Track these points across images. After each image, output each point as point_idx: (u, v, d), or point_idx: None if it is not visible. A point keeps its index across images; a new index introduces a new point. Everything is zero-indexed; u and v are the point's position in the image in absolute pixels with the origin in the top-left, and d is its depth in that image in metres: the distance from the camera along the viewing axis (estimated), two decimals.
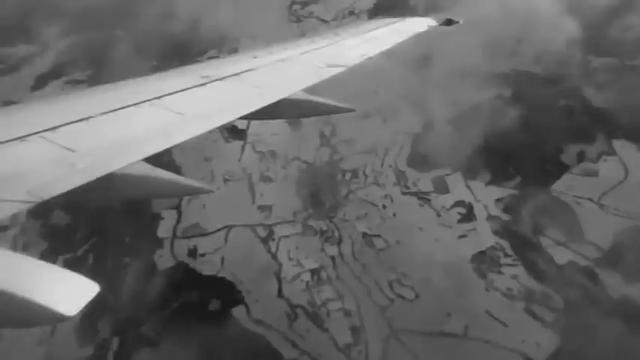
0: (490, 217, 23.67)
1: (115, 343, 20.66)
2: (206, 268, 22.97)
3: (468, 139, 26.32)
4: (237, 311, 21.25)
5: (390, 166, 26.65)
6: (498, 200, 24.31)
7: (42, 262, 2.52)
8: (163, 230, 24.62)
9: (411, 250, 22.59)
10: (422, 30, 8.51)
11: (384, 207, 24.63)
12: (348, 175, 26.39)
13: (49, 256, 23.18)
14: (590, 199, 23.73)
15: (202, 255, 23.42)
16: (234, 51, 34.37)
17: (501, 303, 20.62)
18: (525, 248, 22.31)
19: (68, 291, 2.40)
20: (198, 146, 27.58)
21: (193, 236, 24.26)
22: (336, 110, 5.76)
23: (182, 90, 4.96)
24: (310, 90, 5.58)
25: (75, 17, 40.35)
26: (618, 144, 25.79)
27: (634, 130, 25.97)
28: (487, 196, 24.53)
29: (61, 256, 23.52)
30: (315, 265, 22.58)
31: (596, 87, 28.78)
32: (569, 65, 30.09)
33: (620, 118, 26.74)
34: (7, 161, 3.31)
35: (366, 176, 26.21)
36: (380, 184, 25.76)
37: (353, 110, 5.79)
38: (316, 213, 24.72)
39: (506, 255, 22.12)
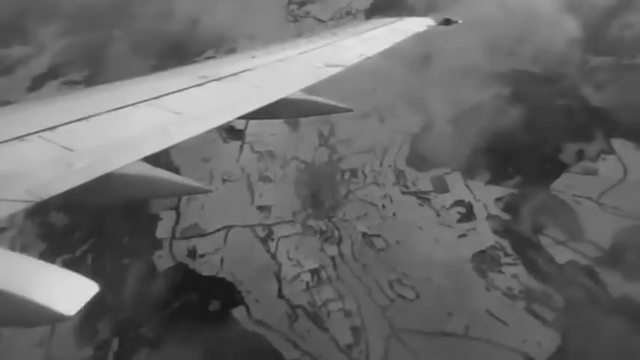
0: (490, 217, 23.67)
1: (114, 344, 20.57)
2: (205, 268, 22.90)
3: (467, 139, 26.33)
4: (238, 312, 21.17)
5: (390, 165, 26.63)
6: (498, 199, 24.31)
7: (41, 262, 2.51)
8: (162, 231, 24.53)
9: (411, 250, 22.56)
10: (420, 30, 8.51)
11: (384, 207, 24.61)
12: (347, 175, 26.36)
13: (47, 257, 23.04)
14: (590, 198, 23.75)
15: (202, 255, 23.35)
16: (231, 51, 34.31)
17: (502, 302, 20.61)
18: (525, 247, 22.31)
19: (67, 291, 2.39)
20: (196, 147, 27.49)
21: (192, 237, 24.18)
22: (334, 110, 5.75)
23: (180, 90, 4.97)
24: (308, 90, 5.57)
25: (71, 18, 40.25)
26: (617, 143, 25.82)
27: (633, 128, 26.01)
28: (487, 196, 24.52)
29: (60, 257, 23.41)
30: (315, 265, 22.53)
31: (595, 86, 28.84)
32: (568, 64, 30.15)
33: (618, 116, 26.78)
34: (6, 161, 3.31)
35: (365, 176, 26.18)
36: (379, 184, 25.73)
37: (351, 110, 5.77)
38: (315, 213, 24.67)
39: (507, 254, 22.12)
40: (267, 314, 21.01)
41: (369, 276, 21.96)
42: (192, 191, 4.77)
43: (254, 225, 24.42)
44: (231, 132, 28.79)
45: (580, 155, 25.61)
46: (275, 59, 6.34)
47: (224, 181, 26.71)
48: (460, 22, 9.17)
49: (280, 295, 21.65)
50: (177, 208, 25.29)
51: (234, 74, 5.62)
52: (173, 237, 24.23)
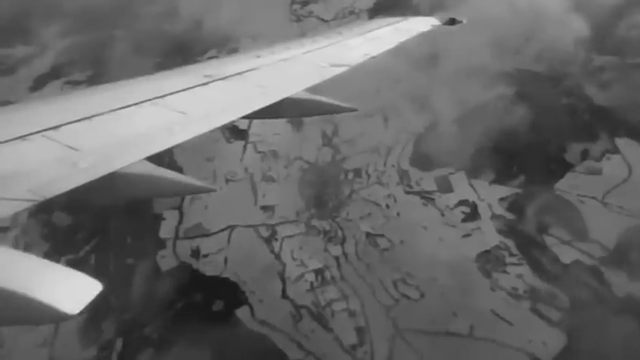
0: (494, 216, 23.59)
1: (118, 344, 20.55)
2: (209, 268, 22.88)
3: (471, 138, 26.25)
4: (241, 312, 21.14)
5: (393, 165, 26.56)
6: (502, 199, 24.23)
7: (45, 261, 2.51)
8: (165, 231, 24.50)
9: (415, 250, 22.50)
10: (425, 29, 8.54)
11: (388, 206, 24.55)
12: (350, 175, 26.29)
13: (51, 257, 22.65)
14: (594, 198, 23.68)
15: (205, 255, 23.32)
16: (234, 51, 34.25)
17: (507, 302, 20.55)
18: (530, 247, 22.24)
19: (71, 289, 2.39)
20: (199, 146, 27.47)
21: (196, 237, 24.16)
22: (338, 110, 5.78)
23: (185, 89, 4.97)
24: (312, 89, 5.57)
25: (74, 17, 40.18)
26: (621, 142, 25.74)
27: (637, 128, 25.92)
28: (491, 195, 24.45)
29: (63, 257, 23.39)
30: (319, 265, 22.49)
31: (599, 85, 28.75)
32: (572, 64, 30.05)
33: (623, 116, 26.69)
34: (10, 160, 3.31)
35: (368, 176, 26.11)
36: (383, 184, 25.67)
37: (355, 110, 5.82)
38: (319, 213, 24.62)
39: (511, 254, 22.05)
40: (271, 314, 20.98)
41: (373, 276, 21.91)
42: (196, 190, 4.78)
43: (257, 225, 24.38)
44: (234, 132, 28.73)
45: (584, 155, 25.53)
46: (279, 59, 6.34)
47: (227, 180, 26.66)
48: (465, 21, 9.18)
49: (284, 295, 21.62)
50: (180, 208, 25.25)
51: (239, 73, 5.63)
52: (177, 237, 24.20)
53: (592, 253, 21.62)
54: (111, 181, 3.45)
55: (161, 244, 23.93)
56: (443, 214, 23.99)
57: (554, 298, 20.42)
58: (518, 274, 21.34)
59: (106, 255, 23.62)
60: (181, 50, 34.85)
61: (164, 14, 38.91)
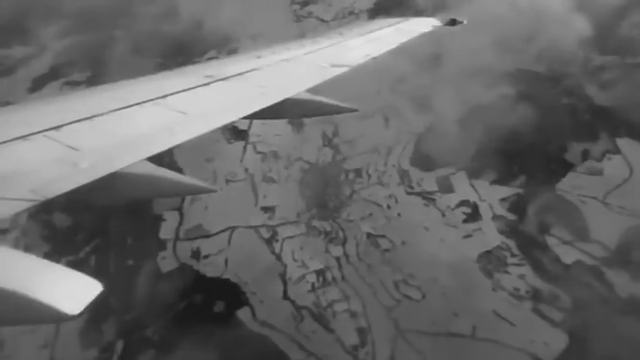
0: (495, 217, 23.57)
1: (119, 345, 20.47)
2: (210, 269, 22.81)
3: (472, 138, 26.23)
4: (243, 313, 21.08)
5: (394, 165, 26.53)
6: (503, 199, 24.21)
7: (45, 261, 2.52)
8: (166, 232, 24.44)
9: (416, 250, 22.48)
10: (426, 30, 8.59)
11: (389, 207, 24.51)
12: (351, 175, 26.25)
13: (51, 258, 22.67)
14: (596, 198, 23.67)
15: (206, 257, 23.26)
16: (233, 51, 34.23)
17: (509, 303, 20.52)
18: (532, 247, 22.21)
19: (71, 290, 2.39)
20: (200, 147, 27.43)
21: (196, 238, 24.09)
22: (339, 110, 5.78)
23: (186, 89, 4.99)
24: (313, 90, 5.59)
25: (72, 18, 40.09)
26: (622, 142, 25.74)
27: (638, 128, 25.94)
28: (492, 196, 24.43)
29: (64, 258, 23.32)
30: (320, 266, 22.44)
31: (600, 85, 28.76)
32: (573, 63, 30.06)
33: (623, 115, 26.71)
34: (11, 160, 3.30)
35: (369, 176, 26.07)
36: (384, 184, 25.63)
37: (356, 110, 5.82)
38: (320, 213, 24.57)
39: (513, 254, 22.02)
40: (273, 315, 20.93)
41: (374, 276, 21.87)
42: (197, 191, 4.79)
43: (258, 226, 24.32)
44: (234, 132, 28.69)
45: (585, 155, 25.53)
46: (280, 59, 6.37)
47: (228, 181, 26.60)
48: (465, 22, 9.20)
49: (285, 296, 21.57)
50: (180, 209, 25.19)
51: (240, 74, 5.66)
52: (177, 238, 24.14)
53: (594, 254, 21.60)
54: (111, 181, 3.47)
55: (161, 245, 23.87)
56: (444, 215, 23.96)
57: (556, 299, 20.39)
58: (520, 275, 21.31)
59: (106, 256, 23.55)
60: (181, 51, 34.79)
61: (164, 15, 38.85)
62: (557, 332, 19.48)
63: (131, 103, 4.45)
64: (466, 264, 21.82)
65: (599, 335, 18.95)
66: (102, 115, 4.16)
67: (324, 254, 22.87)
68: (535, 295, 20.62)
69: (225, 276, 22.44)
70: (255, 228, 24.23)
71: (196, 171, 26.52)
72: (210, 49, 35.30)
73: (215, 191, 23.81)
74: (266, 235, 23.90)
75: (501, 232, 22.98)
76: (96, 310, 20.73)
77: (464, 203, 24.32)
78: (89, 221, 24.71)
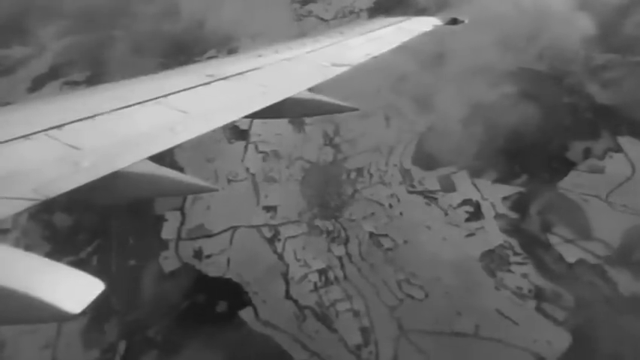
0: (498, 216, 23.54)
1: (121, 346, 20.43)
2: (212, 269, 22.76)
3: (474, 137, 26.19)
4: (245, 313, 21.04)
5: (395, 165, 26.48)
6: (505, 198, 24.18)
7: (46, 260, 2.53)
8: (167, 232, 24.40)
9: (419, 250, 22.44)
10: (427, 29, 8.60)
11: (391, 206, 24.46)
12: (353, 175, 26.20)
13: (52, 258, 22.72)
14: (598, 196, 23.63)
15: (208, 256, 23.21)
16: (234, 51, 34.23)
17: (512, 302, 20.48)
18: (534, 246, 22.18)
19: (73, 289, 2.38)
20: (201, 147, 27.40)
21: (198, 238, 24.04)
22: (340, 109, 5.78)
23: (187, 89, 4.98)
24: (314, 89, 5.59)
25: (72, 18, 40.05)
26: (624, 140, 25.72)
27: (639, 126, 25.90)
28: (494, 194, 24.39)
29: (65, 258, 23.25)
30: (322, 266, 22.39)
31: (601, 83, 28.73)
32: (574, 62, 30.02)
33: (625, 114, 26.69)
34: (13, 159, 3.30)
35: (371, 175, 26.02)
36: (385, 183, 25.58)
37: (357, 109, 5.81)
38: (322, 213, 24.52)
39: (516, 253, 21.98)
40: (275, 315, 20.88)
41: (377, 276, 21.82)
42: (199, 190, 4.77)
43: (260, 225, 24.28)
44: (235, 132, 28.65)
45: (587, 153, 25.49)
46: (281, 58, 6.37)
47: (229, 181, 26.55)
48: (467, 21, 9.19)
49: (288, 295, 21.52)
50: (182, 209, 25.15)
51: (241, 73, 5.66)
52: (179, 238, 24.09)
53: (596, 252, 21.57)
54: (113, 180, 3.47)
55: (163, 245, 23.83)
56: (446, 214, 23.92)
57: (559, 297, 20.36)
58: (523, 274, 21.26)
59: (108, 256, 23.50)
60: (182, 50, 34.76)
61: (164, 14, 38.79)
62: (560, 331, 19.44)
63: (132, 102, 4.45)
64: (469, 263, 21.78)
65: (602, 334, 18.92)
66: (103, 114, 4.15)
67: (327, 254, 22.83)
68: (538, 294, 20.58)
69: (228, 276, 22.39)
70: (257, 227, 24.19)
71: (197, 171, 26.48)
72: (210, 48, 35.28)
73: (216, 190, 23.81)
74: (268, 234, 23.86)
75: (504, 230, 22.94)
76: (98, 310, 20.69)
77: (466, 202, 24.28)
78: (90, 221, 24.67)
